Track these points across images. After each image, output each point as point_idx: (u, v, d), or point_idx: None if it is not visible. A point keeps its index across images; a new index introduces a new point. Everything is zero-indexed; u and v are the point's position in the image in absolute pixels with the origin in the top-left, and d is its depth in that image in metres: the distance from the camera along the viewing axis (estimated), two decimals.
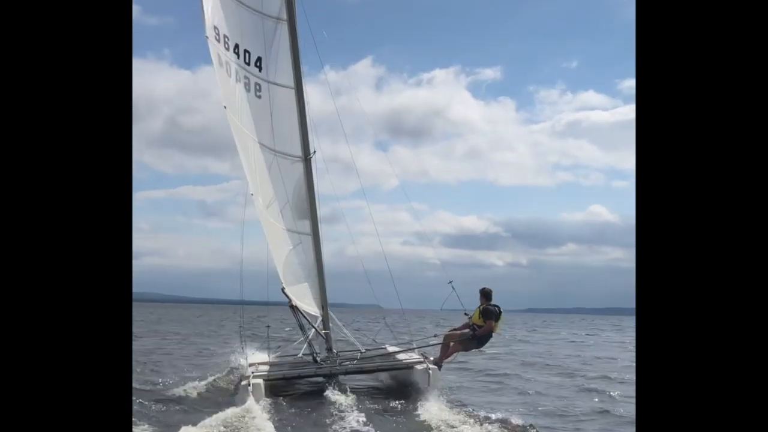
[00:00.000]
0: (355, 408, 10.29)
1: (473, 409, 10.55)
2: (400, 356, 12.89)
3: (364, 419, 9.49)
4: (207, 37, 12.14)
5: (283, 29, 13.18)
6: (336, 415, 9.91)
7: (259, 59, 12.79)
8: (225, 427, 8.78)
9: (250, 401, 10.10)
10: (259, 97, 12.76)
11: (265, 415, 9.59)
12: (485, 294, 12.39)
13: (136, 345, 21.50)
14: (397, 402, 10.90)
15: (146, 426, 9.06)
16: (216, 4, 12.16)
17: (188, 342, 27.70)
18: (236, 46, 12.49)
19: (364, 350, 13.46)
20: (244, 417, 9.32)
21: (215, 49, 12.22)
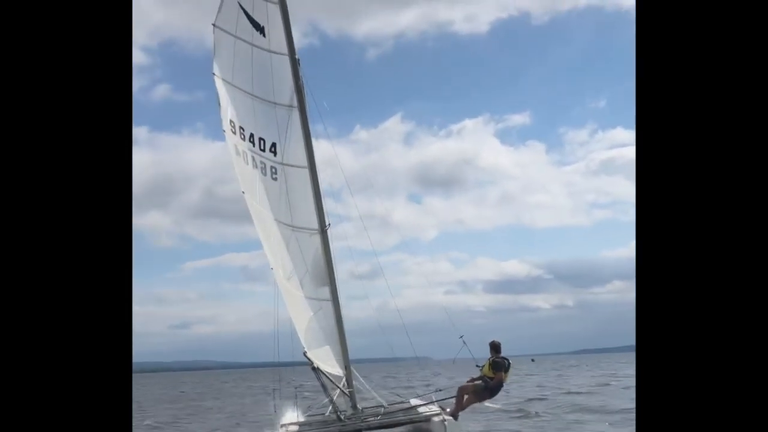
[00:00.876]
0: None
1: None
2: (421, 409, 13.97)
3: None
4: (224, 130, 13.81)
5: (295, 115, 14.71)
6: None
7: (273, 145, 14.33)
8: None
9: None
10: (275, 179, 14.27)
11: None
12: (494, 347, 13.42)
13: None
14: None
15: None
16: (231, 99, 13.86)
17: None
18: (251, 136, 14.08)
19: (386, 405, 14.60)
20: None
21: (232, 140, 13.87)
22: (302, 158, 14.62)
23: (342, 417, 13.56)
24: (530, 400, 25.47)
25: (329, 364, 14.50)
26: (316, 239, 14.61)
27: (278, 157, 14.43)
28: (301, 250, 14.45)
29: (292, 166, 14.58)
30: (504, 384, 13.45)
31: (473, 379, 13.63)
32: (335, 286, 14.58)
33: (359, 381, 14.66)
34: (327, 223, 14.58)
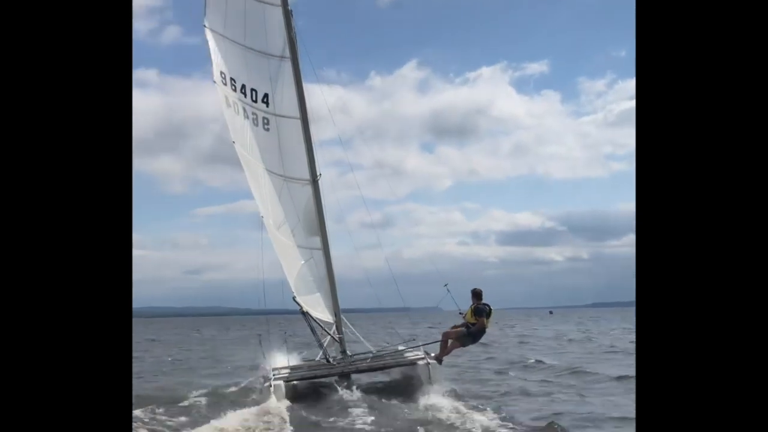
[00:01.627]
0: (361, 402, 12.14)
1: (466, 399, 12.37)
2: (407, 354, 14.57)
3: (366, 411, 11.36)
4: (214, 81, 14.10)
5: (287, 65, 14.92)
6: (343, 410, 11.74)
7: (265, 95, 14.61)
8: (249, 421, 10.68)
9: (272, 401, 12.16)
10: (267, 130, 14.61)
11: (284, 412, 11.50)
12: (476, 294, 13.93)
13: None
14: (400, 396, 12.59)
15: (183, 418, 11.25)
16: (222, 50, 14.14)
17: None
18: (243, 87, 14.37)
19: (374, 351, 15.22)
20: (266, 414, 11.30)
21: (222, 91, 14.17)
22: (294, 109, 14.89)
23: (331, 360, 14.17)
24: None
25: (319, 310, 15.08)
26: (308, 189, 15.00)
27: (270, 108, 14.72)
28: (293, 200, 14.88)
29: (284, 116, 14.87)
30: (486, 329, 13.96)
31: (456, 326, 14.15)
32: (326, 235, 15.03)
33: (349, 328, 15.22)
34: (318, 174, 14.94)
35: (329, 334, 15.03)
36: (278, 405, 11.95)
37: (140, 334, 54.54)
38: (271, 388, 12.55)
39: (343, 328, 15.12)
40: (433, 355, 13.89)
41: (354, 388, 13.18)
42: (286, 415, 11.19)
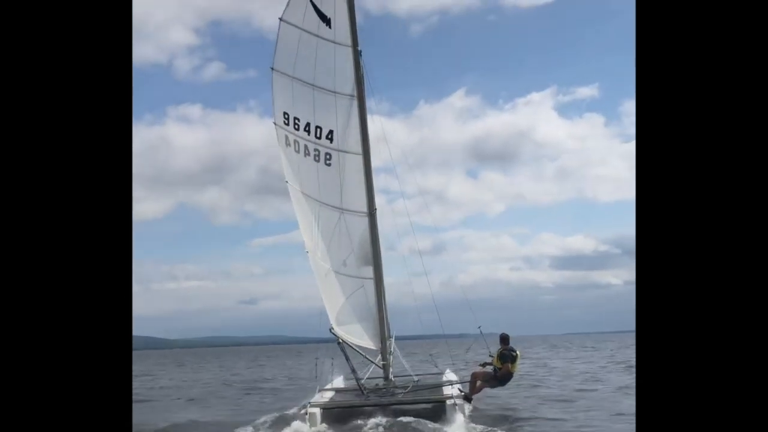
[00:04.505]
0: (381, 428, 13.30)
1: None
2: (445, 388, 15.56)
3: None
4: (275, 123, 15.67)
5: (354, 103, 16.39)
6: None
7: (330, 132, 16.10)
8: None
9: (306, 427, 13.61)
10: (329, 165, 16.06)
11: None
12: (503, 339, 15.11)
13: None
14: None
15: None
16: (289, 91, 15.78)
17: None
18: (307, 125, 15.95)
19: (416, 379, 16.21)
20: None
21: (282, 132, 15.76)
22: (357, 144, 16.30)
23: (364, 392, 15.34)
24: None
25: (363, 339, 16.25)
26: (365, 221, 16.31)
27: (334, 144, 16.19)
28: (348, 232, 16.23)
29: (347, 152, 16.29)
30: (513, 374, 14.99)
31: (485, 365, 15.15)
32: (380, 265, 16.26)
33: (397, 354, 16.28)
34: (374, 207, 16.24)
35: (372, 362, 16.14)
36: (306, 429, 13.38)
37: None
38: (307, 416, 13.90)
39: (390, 355, 16.21)
40: (463, 393, 14.88)
41: (383, 418, 14.19)
42: None
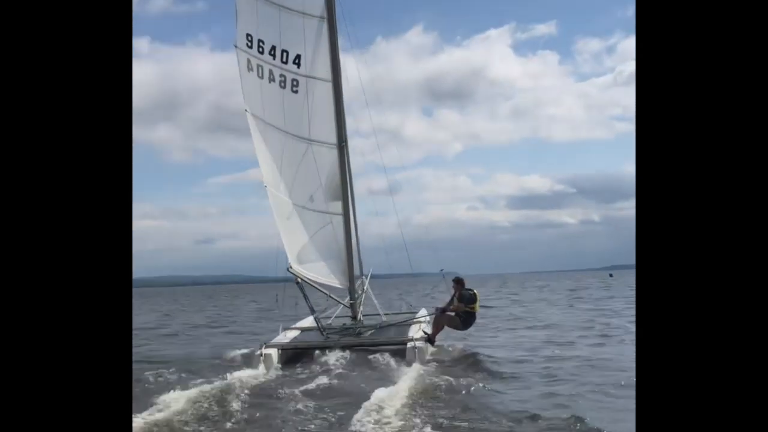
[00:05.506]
0: (339, 368, 12.67)
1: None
2: (413, 327, 15.11)
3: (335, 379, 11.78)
4: (236, 46, 14.59)
5: (323, 26, 15.34)
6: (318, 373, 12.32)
7: (297, 57, 15.04)
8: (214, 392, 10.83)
9: (260, 368, 12.93)
10: (296, 92, 15.06)
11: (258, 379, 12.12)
12: (458, 282, 14.78)
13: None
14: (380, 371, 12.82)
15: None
16: (253, 11, 14.63)
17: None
18: (272, 48, 14.85)
19: (385, 320, 15.74)
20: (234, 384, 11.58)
21: (244, 56, 14.69)
22: (327, 71, 15.31)
23: (324, 332, 14.80)
24: None
25: (329, 278, 15.59)
26: (334, 153, 15.45)
27: (302, 69, 15.16)
28: (316, 164, 15.35)
29: (316, 78, 15.30)
30: (475, 314, 14.66)
31: (444, 309, 14.64)
32: (348, 200, 15.51)
33: (369, 293, 15.78)
34: (345, 138, 15.38)
35: (340, 302, 15.59)
36: (256, 373, 12.65)
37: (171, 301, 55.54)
38: (261, 357, 13.28)
39: (361, 294, 15.67)
40: (427, 335, 14.38)
41: (340, 357, 13.64)
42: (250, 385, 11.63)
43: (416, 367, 12.62)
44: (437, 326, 14.47)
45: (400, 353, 13.60)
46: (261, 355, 13.36)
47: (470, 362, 13.80)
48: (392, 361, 13.03)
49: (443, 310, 14.52)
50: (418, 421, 8.60)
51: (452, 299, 14.70)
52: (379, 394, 9.94)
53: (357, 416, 8.72)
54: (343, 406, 9.55)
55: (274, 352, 13.54)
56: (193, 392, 10.56)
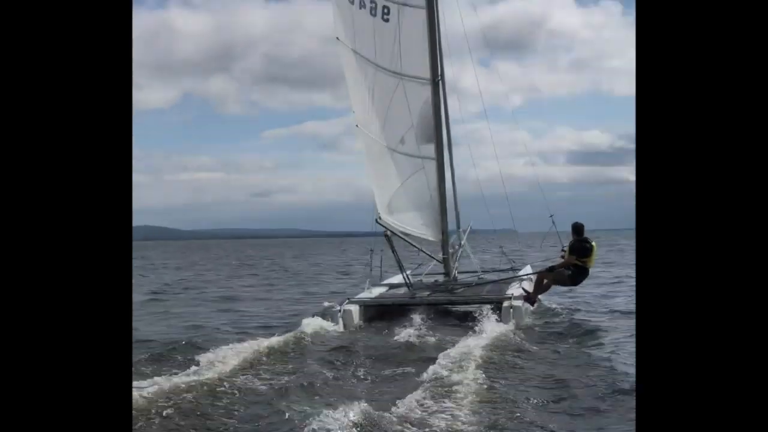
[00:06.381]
0: (423, 328, 11.41)
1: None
2: (512, 285, 13.59)
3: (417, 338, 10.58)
4: None
5: None
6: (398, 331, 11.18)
7: None
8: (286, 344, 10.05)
9: (339, 324, 11.89)
10: (387, 20, 13.46)
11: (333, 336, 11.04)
12: (576, 229, 12.53)
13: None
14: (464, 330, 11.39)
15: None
16: None
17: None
18: None
19: (481, 277, 14.30)
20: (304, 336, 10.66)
21: None
22: None
23: (411, 288, 13.40)
24: None
25: (421, 230, 14.16)
26: (427, 90, 13.89)
27: None
28: (407, 101, 13.79)
29: (407, 5, 13.66)
30: (588, 270, 12.65)
31: (552, 268, 12.77)
32: (442, 144, 13.97)
33: (465, 247, 14.36)
34: (440, 72, 13.76)
35: (431, 256, 14.18)
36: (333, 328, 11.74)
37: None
38: (340, 313, 12.19)
39: (458, 249, 14.26)
40: (527, 293, 12.69)
41: (425, 315, 12.45)
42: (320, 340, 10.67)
43: (509, 328, 11.23)
44: (540, 284, 12.71)
45: (495, 312, 12.22)
46: (341, 311, 12.21)
47: (569, 326, 12.21)
48: (485, 321, 11.63)
49: (552, 268, 12.79)
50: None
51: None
52: (454, 352, 8.99)
53: (425, 375, 7.88)
54: (415, 363, 8.64)
55: (355, 309, 12.34)
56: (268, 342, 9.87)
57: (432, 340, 10.45)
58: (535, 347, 9.92)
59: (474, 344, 9.60)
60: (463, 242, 14.66)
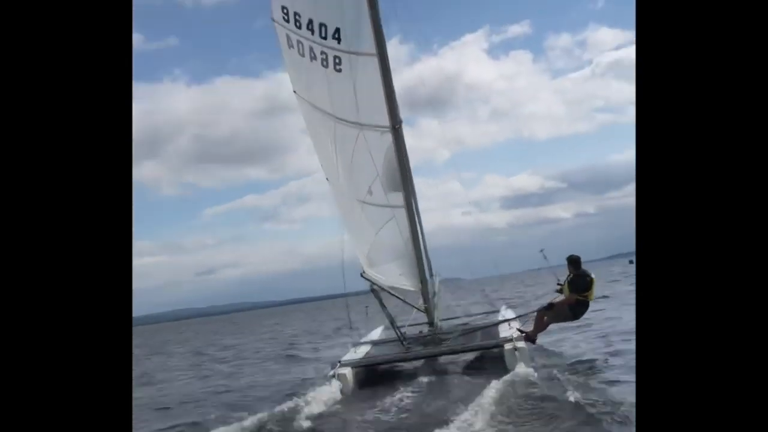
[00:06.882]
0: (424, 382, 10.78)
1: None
2: (501, 329, 13.11)
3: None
4: (273, 19, 12.74)
5: None
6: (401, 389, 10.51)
7: (337, 30, 13.09)
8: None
9: (334, 387, 11.04)
10: (339, 70, 13.12)
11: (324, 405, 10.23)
12: (573, 262, 12.29)
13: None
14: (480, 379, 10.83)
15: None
16: None
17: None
18: (310, 22, 12.90)
19: (466, 322, 13.83)
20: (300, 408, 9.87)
21: (283, 31, 12.81)
22: (371, 44, 13.37)
23: (405, 342, 12.77)
24: None
25: (400, 281, 13.67)
26: (387, 138, 13.53)
27: (343, 45, 13.22)
28: (370, 151, 13.41)
29: (359, 54, 13.38)
30: (589, 304, 12.35)
31: (552, 305, 12.46)
32: (409, 190, 13.58)
33: (441, 296, 13.86)
34: (399, 119, 13.45)
35: (415, 307, 13.68)
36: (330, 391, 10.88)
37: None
38: (335, 377, 11.41)
39: (434, 297, 13.74)
40: (524, 333, 12.28)
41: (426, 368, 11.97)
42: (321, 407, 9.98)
43: (520, 372, 10.59)
44: (540, 321, 12.35)
45: (496, 358, 11.71)
46: (335, 375, 11.48)
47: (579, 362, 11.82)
48: (491, 367, 11.12)
49: (551, 305, 12.38)
50: None
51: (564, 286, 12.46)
52: (476, 407, 8.29)
53: None
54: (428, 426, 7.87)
55: (348, 372, 11.63)
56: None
57: (449, 395, 9.81)
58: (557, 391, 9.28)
59: (492, 397, 8.89)
60: (436, 290, 14.20)
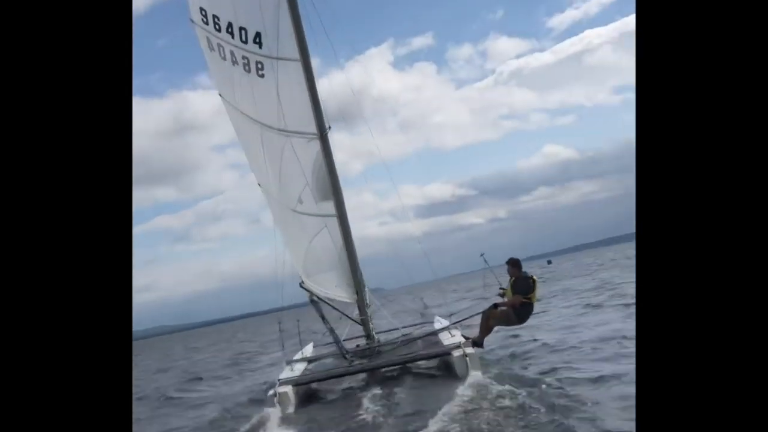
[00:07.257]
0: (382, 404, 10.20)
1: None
2: (443, 336, 12.80)
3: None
4: (192, 21, 12.13)
5: None
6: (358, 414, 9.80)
7: (258, 35, 12.57)
8: None
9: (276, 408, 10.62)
10: (262, 76, 12.62)
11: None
12: (513, 264, 11.99)
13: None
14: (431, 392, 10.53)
15: None
16: None
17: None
18: (229, 25, 12.36)
19: (406, 333, 13.48)
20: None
21: (203, 33, 12.23)
22: (293, 49, 12.91)
23: (347, 355, 12.28)
24: None
25: (336, 292, 13.21)
26: (315, 145, 13.07)
27: (264, 50, 12.71)
28: (298, 159, 12.92)
29: (281, 59, 12.88)
30: (533, 305, 12.12)
31: (497, 306, 12.17)
32: (341, 198, 13.13)
33: (375, 306, 13.42)
34: (327, 126, 13.00)
35: (351, 319, 13.24)
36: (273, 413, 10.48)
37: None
38: (276, 398, 10.85)
39: (367, 308, 13.32)
40: (469, 340, 11.94)
41: (372, 382, 11.51)
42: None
43: (473, 379, 10.31)
44: (487, 326, 12.00)
45: (445, 367, 11.40)
46: (275, 394, 10.88)
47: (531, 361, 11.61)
48: (441, 377, 10.78)
49: (496, 306, 12.10)
50: None
51: (509, 287, 12.16)
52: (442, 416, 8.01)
53: None
54: None
55: (290, 390, 11.04)
56: None
57: (405, 410, 9.30)
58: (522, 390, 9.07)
59: (453, 410, 8.46)
60: (368, 301, 13.76)
